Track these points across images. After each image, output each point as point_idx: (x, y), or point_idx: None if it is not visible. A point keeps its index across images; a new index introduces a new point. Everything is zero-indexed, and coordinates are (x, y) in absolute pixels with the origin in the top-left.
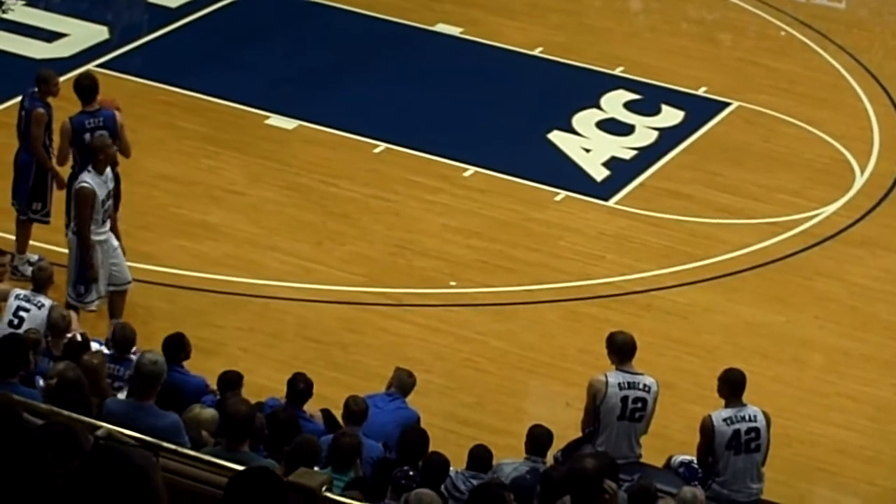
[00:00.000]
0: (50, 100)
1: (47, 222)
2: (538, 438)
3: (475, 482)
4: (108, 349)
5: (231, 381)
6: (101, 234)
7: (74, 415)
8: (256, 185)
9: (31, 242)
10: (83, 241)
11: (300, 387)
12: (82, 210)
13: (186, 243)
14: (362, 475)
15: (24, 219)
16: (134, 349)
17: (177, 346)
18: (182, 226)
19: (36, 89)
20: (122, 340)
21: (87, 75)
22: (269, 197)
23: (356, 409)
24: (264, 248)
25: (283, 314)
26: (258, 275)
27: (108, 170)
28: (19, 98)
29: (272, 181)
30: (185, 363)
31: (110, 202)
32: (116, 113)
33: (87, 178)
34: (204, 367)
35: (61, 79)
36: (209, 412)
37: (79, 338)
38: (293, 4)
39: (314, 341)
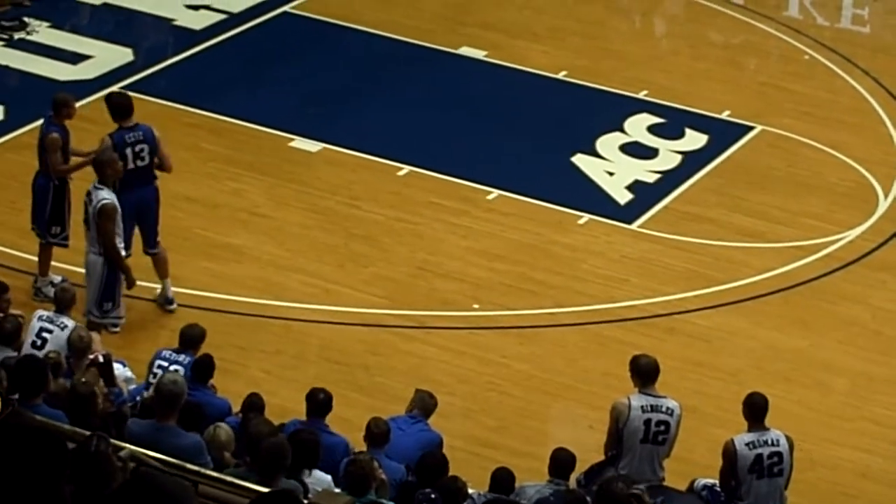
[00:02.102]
0: (67, 123)
1: (66, 245)
2: (561, 461)
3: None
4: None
5: (254, 404)
6: (122, 246)
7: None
8: (280, 208)
9: (52, 263)
10: (114, 256)
11: (320, 397)
12: (107, 226)
13: (210, 265)
14: (377, 498)
15: (44, 243)
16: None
17: (204, 368)
18: (206, 248)
19: (52, 113)
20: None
21: (120, 93)
22: (292, 219)
23: (377, 432)
24: (288, 270)
25: (306, 336)
26: (281, 297)
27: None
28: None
29: (296, 203)
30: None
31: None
32: (154, 128)
33: (106, 194)
34: (227, 389)
35: (86, 101)
36: (225, 432)
37: (101, 358)
38: (318, 27)
39: (337, 363)
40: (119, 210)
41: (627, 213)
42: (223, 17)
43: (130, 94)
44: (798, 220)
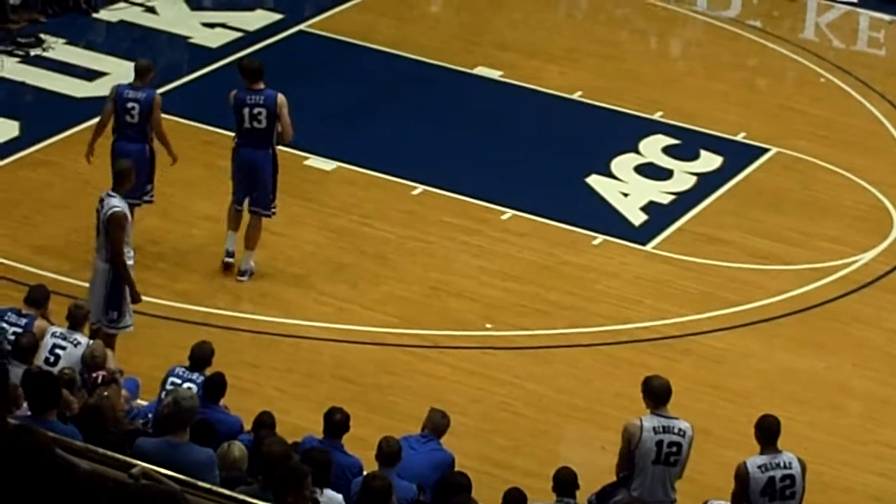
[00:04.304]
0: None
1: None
2: (565, 480)
3: None
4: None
5: (265, 421)
6: (131, 258)
7: (109, 452)
8: (294, 226)
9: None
10: (120, 265)
11: (336, 417)
12: (117, 234)
13: (225, 282)
14: None
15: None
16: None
17: (216, 386)
18: (219, 264)
19: (138, 79)
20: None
21: (253, 58)
22: (306, 237)
23: (388, 451)
24: (301, 289)
25: (319, 355)
26: (295, 315)
27: None
28: (59, 137)
29: (310, 222)
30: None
31: None
32: (280, 95)
33: (117, 202)
34: (240, 407)
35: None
36: (239, 449)
37: (100, 379)
38: (333, 45)
39: (350, 382)
40: (130, 220)
41: (642, 235)
42: (239, 35)
43: None
44: (813, 242)
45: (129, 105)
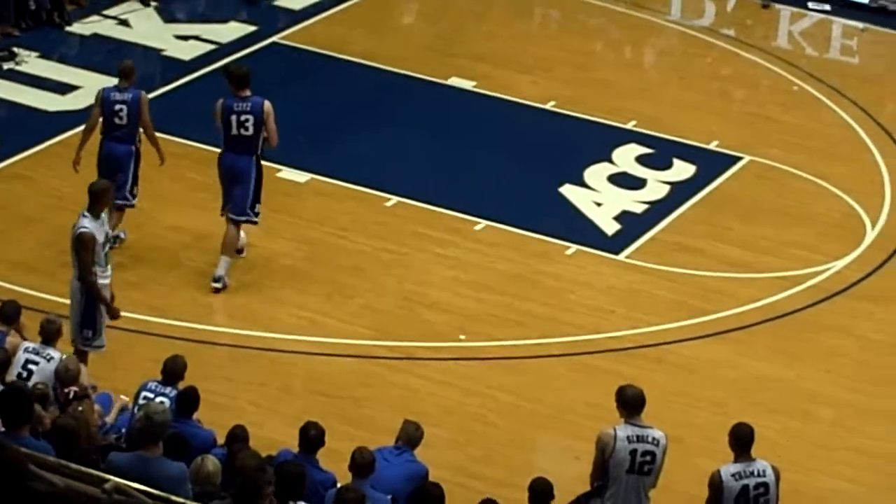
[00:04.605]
0: None
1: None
2: (541, 490)
3: None
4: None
5: (238, 435)
6: (106, 276)
7: (82, 468)
8: (268, 238)
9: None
10: (89, 285)
11: (311, 433)
12: (84, 255)
13: (198, 295)
14: None
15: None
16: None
17: (189, 400)
18: (194, 278)
19: (124, 80)
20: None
21: (241, 65)
22: (280, 250)
23: (362, 462)
24: (275, 302)
25: (294, 368)
26: (269, 328)
27: (105, 213)
28: (32, 150)
29: (283, 234)
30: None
31: (109, 245)
32: (266, 102)
33: (86, 223)
34: (213, 421)
35: (74, 131)
36: (213, 463)
37: (72, 395)
38: (307, 57)
39: (324, 395)
40: (98, 241)
41: (615, 244)
42: (212, 47)
43: None
44: (785, 250)
45: (118, 107)
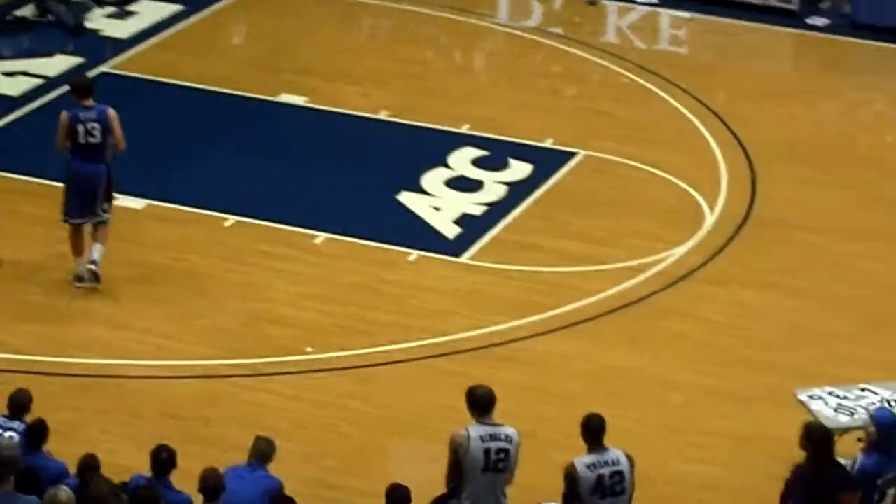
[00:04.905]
0: None
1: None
2: (396, 497)
3: None
4: None
5: (89, 464)
6: None
7: None
8: (107, 265)
9: None
10: None
11: (163, 456)
12: None
13: (37, 328)
14: None
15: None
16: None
17: (38, 432)
18: (31, 311)
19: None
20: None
21: (82, 76)
22: (121, 275)
23: (209, 485)
24: (119, 328)
25: (143, 393)
26: (114, 355)
27: None
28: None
29: (124, 260)
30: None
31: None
32: (110, 109)
33: None
34: (64, 452)
35: None
36: (66, 493)
37: None
38: (137, 85)
39: (175, 418)
40: None
41: (456, 247)
42: (41, 81)
43: None
44: (626, 240)
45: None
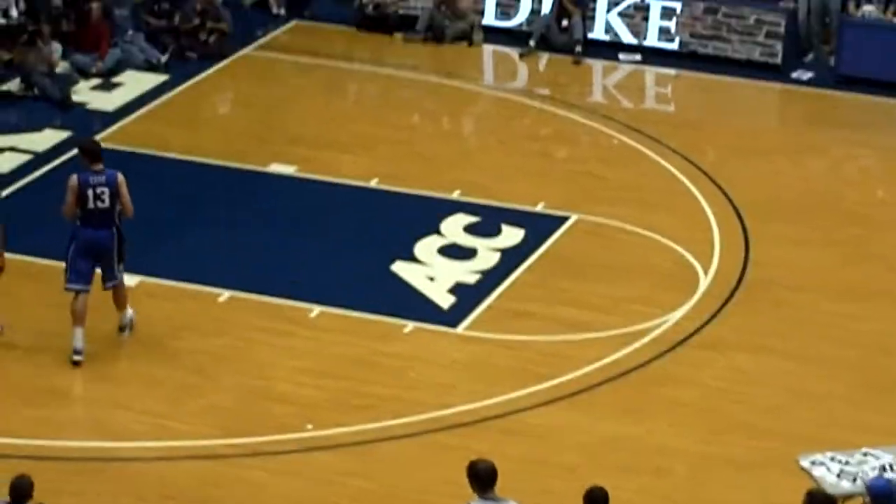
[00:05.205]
0: None
1: None
2: None
3: None
4: None
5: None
6: None
7: None
8: (103, 346)
9: None
10: None
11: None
12: None
13: (35, 412)
14: None
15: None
16: None
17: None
18: (29, 395)
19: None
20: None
21: (92, 139)
22: (116, 354)
23: None
24: (117, 409)
25: (142, 475)
26: (113, 436)
27: None
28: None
29: (119, 340)
30: None
31: None
32: (119, 174)
33: None
34: None
35: None
36: None
37: None
38: (127, 158)
39: (176, 499)
40: None
41: (452, 317)
42: (30, 157)
43: None
44: (621, 306)
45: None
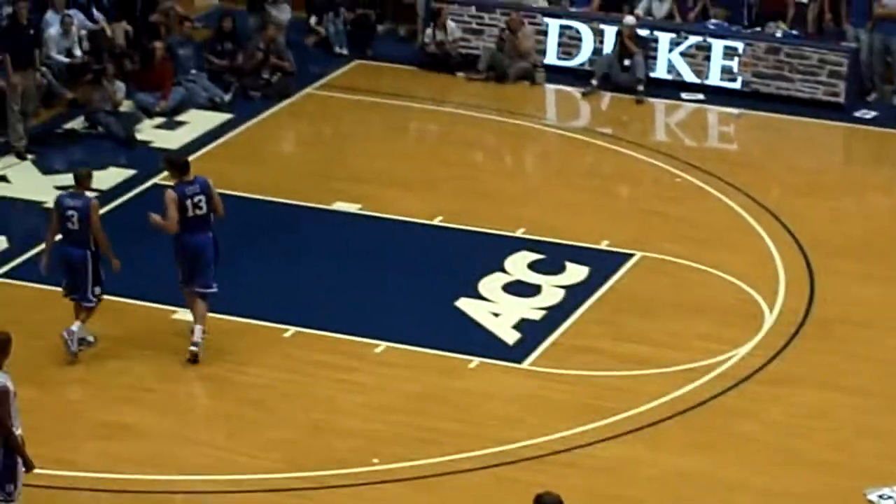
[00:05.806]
0: None
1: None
2: None
3: None
4: None
5: None
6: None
7: None
8: (167, 380)
9: None
10: (9, 440)
11: None
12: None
13: (103, 445)
14: None
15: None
16: None
17: None
18: (97, 428)
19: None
20: None
21: (177, 152)
22: (181, 389)
23: None
24: (181, 442)
25: None
26: (178, 470)
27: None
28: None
29: (183, 375)
30: None
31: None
32: (209, 179)
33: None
34: None
35: None
36: None
37: None
38: None
39: None
40: (12, 394)
41: (517, 353)
42: (94, 195)
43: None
44: (686, 342)
45: (69, 213)
